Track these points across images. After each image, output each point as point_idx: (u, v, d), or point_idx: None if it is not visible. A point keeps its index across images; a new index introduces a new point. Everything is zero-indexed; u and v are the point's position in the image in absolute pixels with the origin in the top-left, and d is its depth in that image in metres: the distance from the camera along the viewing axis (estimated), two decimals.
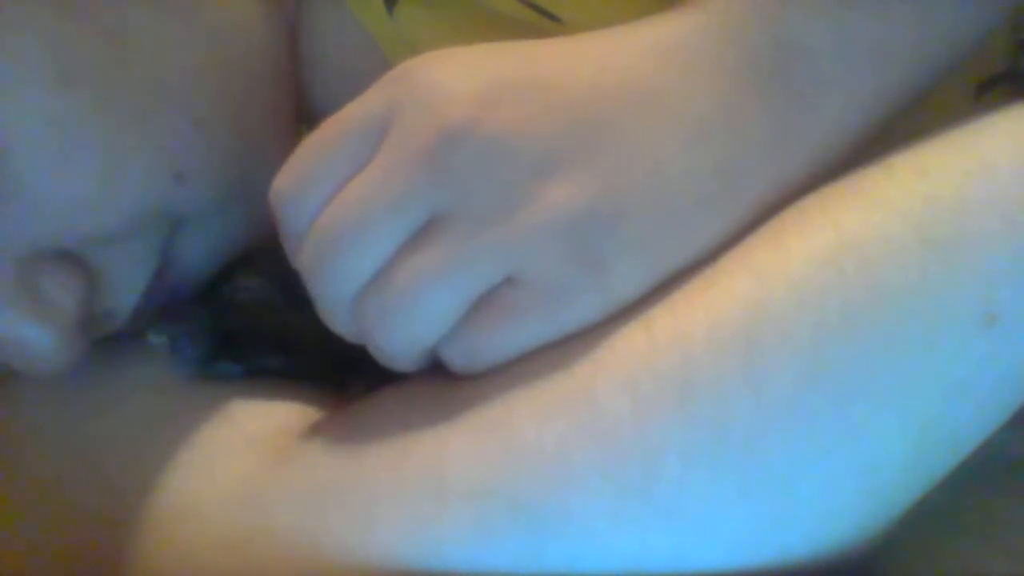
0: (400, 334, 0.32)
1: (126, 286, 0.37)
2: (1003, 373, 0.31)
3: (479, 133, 0.30)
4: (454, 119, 0.30)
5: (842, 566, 0.31)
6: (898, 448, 0.30)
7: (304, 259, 0.32)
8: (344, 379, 0.36)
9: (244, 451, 0.35)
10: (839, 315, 0.30)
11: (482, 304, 0.31)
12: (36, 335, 0.35)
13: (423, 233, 0.31)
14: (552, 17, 0.39)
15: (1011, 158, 0.31)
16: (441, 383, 0.33)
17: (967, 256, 0.30)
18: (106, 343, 0.39)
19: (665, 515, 0.30)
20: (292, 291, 0.37)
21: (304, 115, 0.45)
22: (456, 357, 0.32)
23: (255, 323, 0.37)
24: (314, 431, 0.35)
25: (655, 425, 0.30)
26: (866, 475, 0.30)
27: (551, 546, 0.30)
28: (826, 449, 0.30)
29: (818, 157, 0.33)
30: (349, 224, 0.31)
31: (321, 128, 0.33)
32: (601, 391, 0.31)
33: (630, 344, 0.31)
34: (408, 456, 0.32)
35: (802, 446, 0.30)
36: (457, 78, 0.31)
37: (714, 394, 0.30)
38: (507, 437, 0.31)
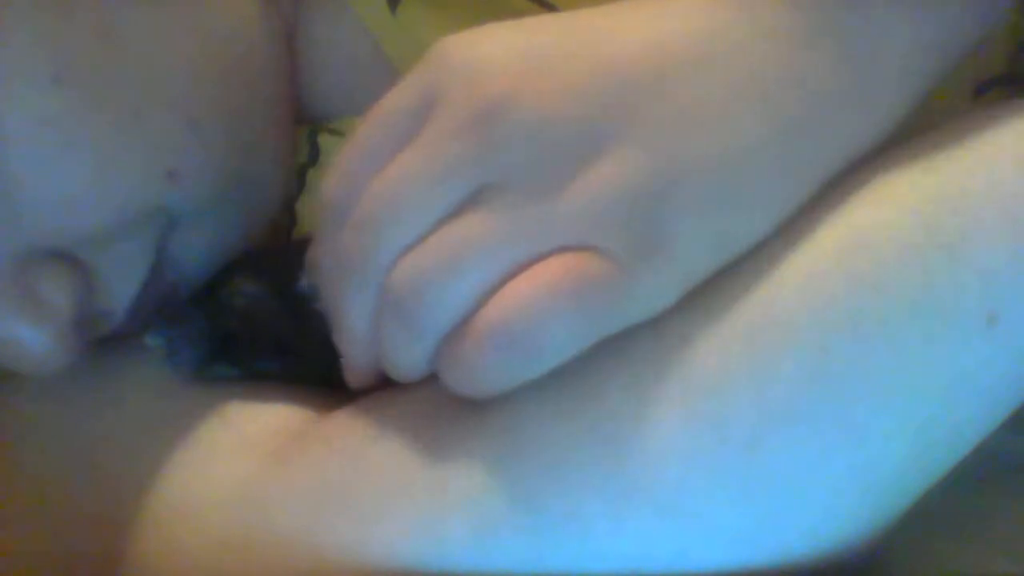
0: (430, 310, 0.30)
1: (121, 285, 0.37)
2: (1004, 372, 0.31)
3: (522, 104, 0.29)
4: (495, 91, 0.29)
5: (842, 566, 0.31)
6: (898, 447, 0.30)
7: (342, 238, 0.31)
8: (343, 383, 0.36)
9: (242, 453, 0.35)
10: (841, 314, 0.30)
11: (538, 272, 0.29)
12: (32, 335, 0.34)
13: (466, 207, 0.30)
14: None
15: (1014, 156, 0.31)
16: (440, 384, 0.33)
17: (969, 255, 0.31)
18: (105, 345, 0.39)
19: (666, 515, 0.30)
20: (290, 296, 0.37)
21: (303, 116, 0.45)
22: (502, 338, 0.29)
23: (252, 327, 0.37)
24: (314, 432, 0.35)
25: (656, 425, 0.30)
26: (867, 474, 0.30)
27: (552, 546, 0.30)
28: (827, 449, 0.30)
29: (876, 120, 0.32)
30: (387, 198, 0.30)
31: (363, 120, 0.32)
32: (603, 389, 0.31)
33: (634, 343, 0.31)
34: (409, 456, 0.32)
35: (803, 445, 0.30)
36: (495, 51, 0.30)
37: (715, 393, 0.30)
38: (508, 436, 0.31)
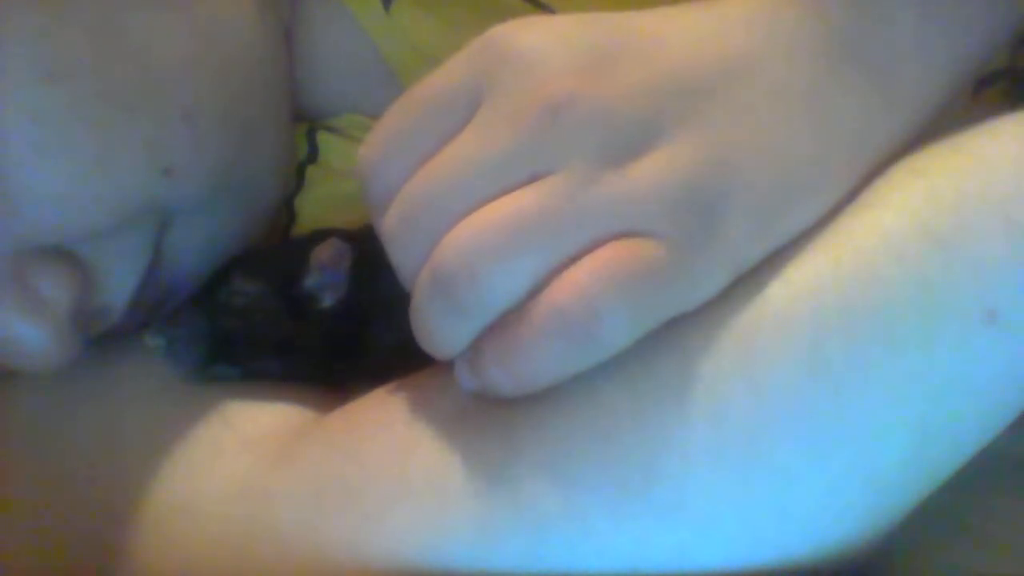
0: (482, 289, 0.29)
1: (119, 282, 0.37)
2: (1003, 370, 0.31)
3: (582, 102, 0.29)
4: (556, 88, 0.29)
5: (842, 566, 0.31)
6: (898, 446, 0.30)
7: (388, 222, 0.31)
8: (342, 383, 0.36)
9: (242, 452, 0.35)
10: (838, 313, 0.30)
11: (597, 258, 0.29)
12: (30, 332, 0.34)
13: (522, 191, 0.29)
14: (551, 12, 0.39)
15: (1011, 157, 0.31)
16: (441, 382, 0.33)
17: (967, 253, 0.30)
18: (104, 343, 0.39)
19: (665, 514, 0.30)
20: (290, 295, 0.37)
21: (302, 113, 0.45)
22: (560, 325, 0.29)
23: (251, 327, 0.37)
24: (314, 430, 0.35)
25: (655, 424, 0.30)
26: (866, 474, 0.30)
27: (552, 544, 0.30)
28: (826, 448, 0.30)
29: (914, 115, 0.32)
30: (442, 184, 0.30)
31: (405, 96, 0.32)
32: (601, 390, 0.31)
33: None
34: (409, 455, 0.32)
35: (802, 445, 0.30)
36: (553, 46, 0.30)
37: (714, 392, 0.30)
38: (508, 436, 0.31)
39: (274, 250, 0.41)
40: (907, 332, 0.30)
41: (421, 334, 0.31)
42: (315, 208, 0.45)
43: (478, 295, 0.29)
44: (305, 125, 0.45)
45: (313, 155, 0.45)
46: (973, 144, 0.32)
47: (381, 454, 0.32)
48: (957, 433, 0.31)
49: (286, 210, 0.45)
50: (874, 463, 0.30)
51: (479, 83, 0.30)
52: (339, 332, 0.37)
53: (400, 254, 0.31)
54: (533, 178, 0.29)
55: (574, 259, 0.29)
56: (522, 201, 0.29)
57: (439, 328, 0.30)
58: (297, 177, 0.45)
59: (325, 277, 0.37)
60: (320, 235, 0.38)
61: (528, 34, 0.30)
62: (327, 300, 0.36)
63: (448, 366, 0.33)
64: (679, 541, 0.30)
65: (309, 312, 0.37)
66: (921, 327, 0.30)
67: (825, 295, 0.30)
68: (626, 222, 0.29)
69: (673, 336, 0.31)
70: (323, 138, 0.45)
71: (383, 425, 0.33)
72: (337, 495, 0.32)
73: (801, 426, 0.30)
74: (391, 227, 0.31)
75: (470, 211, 0.29)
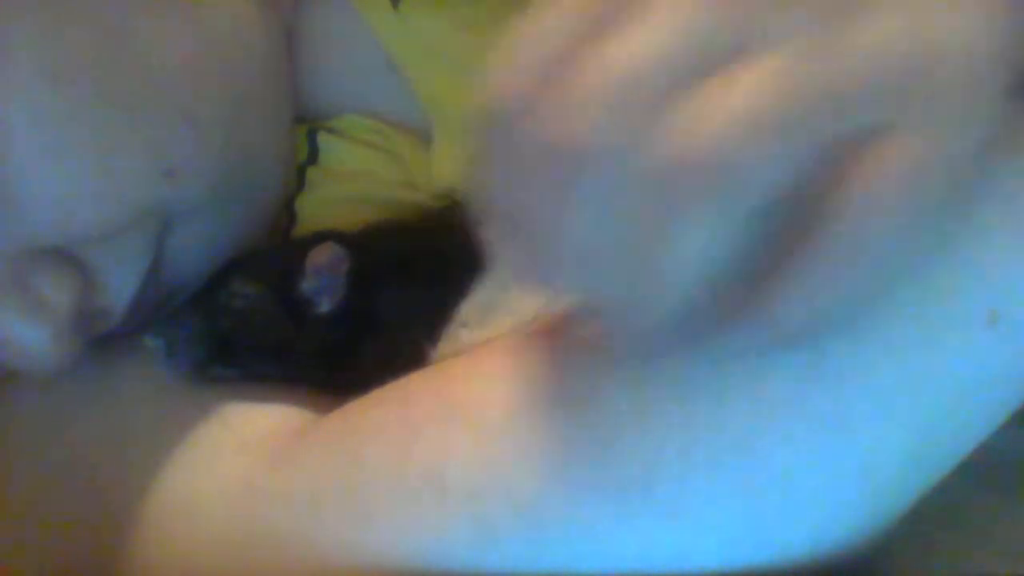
0: (746, 173, 0.24)
1: (120, 284, 0.37)
2: (1004, 372, 0.31)
3: None
4: None
5: (842, 566, 0.31)
6: (898, 447, 0.30)
7: (550, 128, 0.25)
8: (341, 384, 0.36)
9: (241, 453, 0.35)
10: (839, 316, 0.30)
11: (867, 162, 0.24)
12: (31, 333, 0.35)
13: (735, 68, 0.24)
14: None
15: (1011, 155, 0.31)
16: (440, 382, 0.33)
17: (968, 255, 0.30)
18: (105, 344, 0.39)
19: (665, 515, 0.30)
20: (289, 297, 0.37)
21: (302, 114, 0.45)
22: (863, 244, 0.25)
23: (250, 329, 0.37)
24: (313, 431, 0.35)
25: (655, 424, 0.30)
26: (866, 474, 0.30)
27: (551, 546, 0.30)
28: (826, 449, 0.30)
29: None
30: (611, 73, 0.24)
31: (533, 17, 0.25)
32: (601, 390, 0.31)
33: None
34: (408, 455, 0.32)
35: (802, 445, 0.30)
36: None
37: (713, 393, 0.30)
38: (508, 436, 0.31)
39: (274, 252, 0.41)
40: (907, 333, 0.30)
41: (651, 253, 0.25)
42: (316, 209, 0.45)
43: (734, 188, 0.24)
44: (306, 126, 0.45)
45: (314, 156, 0.45)
46: None
47: (380, 455, 0.32)
48: (957, 434, 0.31)
49: (286, 211, 0.45)
50: (874, 464, 0.30)
51: None
52: (335, 339, 0.37)
53: (577, 168, 0.25)
54: (730, 65, 0.24)
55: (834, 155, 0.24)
56: (744, 91, 0.24)
57: (682, 236, 0.24)
58: (298, 178, 0.45)
59: (322, 282, 0.37)
60: (320, 237, 0.38)
61: None
62: (324, 305, 0.36)
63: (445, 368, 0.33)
64: (679, 541, 0.30)
65: (307, 316, 0.37)
66: (921, 328, 0.30)
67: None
68: (867, 105, 0.24)
69: None
70: (324, 139, 0.45)
71: (382, 425, 0.33)
72: (336, 496, 0.32)
73: (801, 426, 0.30)
74: (559, 134, 0.24)
75: (658, 109, 0.24)
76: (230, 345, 0.38)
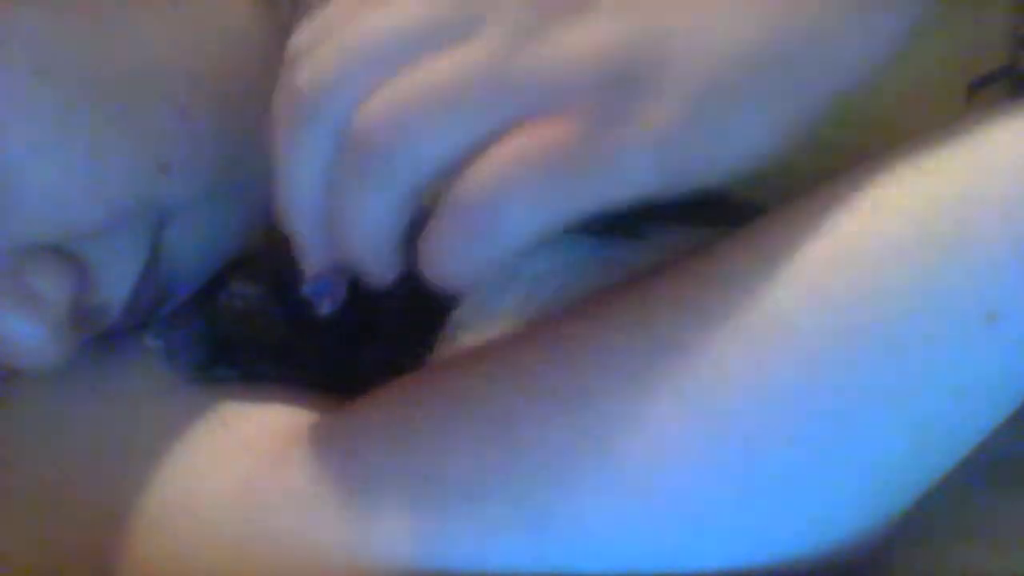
0: (406, 152, 0.28)
1: (116, 281, 0.37)
2: (1004, 372, 0.31)
3: None
4: None
5: (842, 566, 0.31)
6: (898, 447, 0.30)
7: (298, 79, 0.29)
8: (342, 384, 0.36)
9: (241, 453, 0.35)
10: (839, 314, 0.30)
11: (504, 143, 0.27)
12: (27, 329, 0.34)
13: (444, 52, 0.28)
14: None
15: (1011, 155, 0.31)
16: (440, 381, 0.33)
17: (968, 255, 0.30)
18: (103, 344, 0.39)
19: (665, 514, 0.30)
20: (289, 298, 0.37)
21: None
22: (461, 213, 0.28)
23: (250, 330, 0.37)
24: (313, 432, 0.35)
25: (655, 424, 0.30)
26: (866, 474, 0.30)
27: (551, 546, 0.30)
28: (826, 448, 0.30)
29: (882, 38, 0.30)
30: (355, 38, 0.29)
31: None
32: (601, 390, 0.31)
33: (630, 343, 0.31)
34: (408, 455, 0.32)
35: (802, 445, 0.30)
36: None
37: (713, 393, 0.30)
38: (507, 436, 0.31)
39: (273, 252, 0.41)
40: (907, 333, 0.30)
41: (344, 210, 0.29)
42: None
43: (391, 165, 0.28)
44: None
45: None
46: (974, 141, 0.32)
47: (378, 456, 0.32)
48: (957, 433, 0.31)
49: None
50: (875, 464, 0.30)
51: None
52: (335, 340, 0.37)
53: (307, 117, 0.29)
54: (458, 39, 0.28)
55: (497, 135, 0.27)
56: (440, 67, 0.28)
57: (357, 202, 0.29)
58: None
59: (323, 284, 0.37)
60: None
61: None
62: (325, 307, 0.36)
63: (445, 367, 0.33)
64: (679, 541, 0.30)
65: (307, 318, 0.37)
66: (921, 328, 0.30)
67: (825, 296, 0.30)
68: (547, 95, 0.27)
69: (673, 335, 0.31)
70: None
71: (381, 426, 0.33)
72: (336, 496, 0.32)
73: (801, 427, 0.30)
74: (300, 85, 0.29)
75: (385, 76, 0.28)
76: (230, 346, 0.38)
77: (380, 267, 0.31)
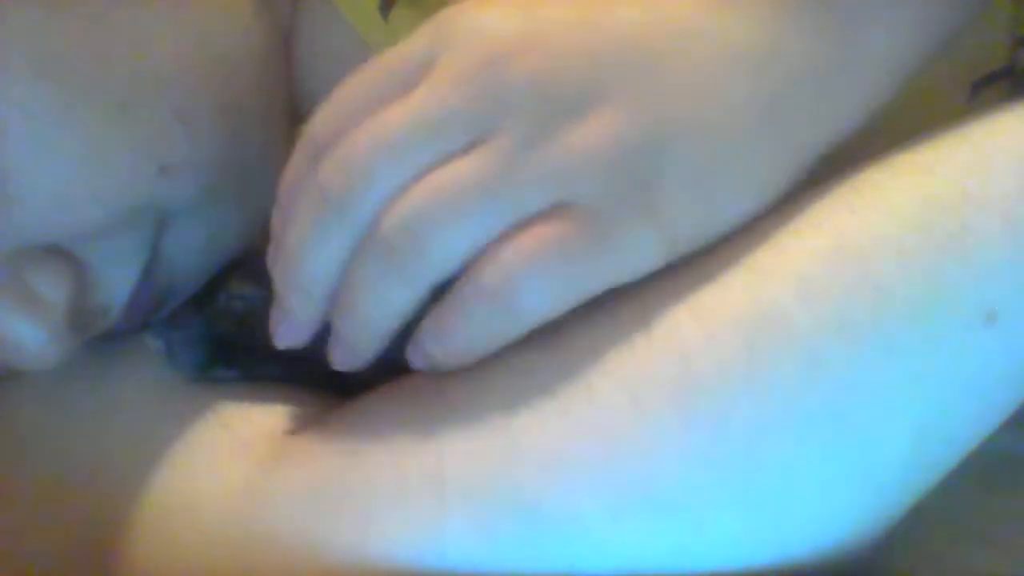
0: (425, 254, 0.30)
1: (116, 282, 0.37)
2: (1003, 371, 0.31)
3: (522, 62, 0.30)
4: (497, 49, 0.30)
5: (842, 566, 0.31)
6: (898, 447, 0.30)
7: (324, 175, 0.31)
8: (341, 384, 0.36)
9: (241, 453, 0.35)
10: (839, 314, 0.30)
11: (521, 236, 0.30)
12: (26, 330, 0.34)
13: (459, 157, 0.30)
14: None
15: (1010, 155, 0.31)
16: (441, 381, 0.33)
17: (967, 254, 0.30)
18: (104, 344, 0.39)
19: (665, 515, 0.30)
20: None
21: (303, 115, 0.45)
22: (480, 300, 0.30)
23: (251, 331, 0.37)
24: (313, 430, 0.35)
25: (654, 424, 0.30)
26: (866, 474, 0.30)
27: (551, 546, 0.30)
28: (826, 449, 0.30)
29: (863, 96, 0.32)
30: (381, 140, 0.30)
31: (360, 69, 0.32)
32: (600, 390, 0.31)
33: (629, 343, 0.31)
34: (408, 455, 0.32)
35: (802, 446, 0.30)
36: (501, 17, 0.30)
37: (713, 393, 0.30)
38: (507, 436, 0.31)
39: None
40: (907, 333, 0.30)
41: (359, 298, 0.31)
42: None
43: (417, 263, 0.30)
44: (305, 127, 0.45)
45: None
46: (974, 141, 0.32)
47: (378, 455, 0.32)
48: (956, 433, 0.31)
49: None
50: (874, 464, 0.30)
51: (431, 54, 0.31)
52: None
53: (329, 214, 0.31)
54: (473, 142, 0.30)
55: (514, 227, 0.30)
56: (460, 171, 0.30)
57: (378, 293, 0.31)
58: None
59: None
60: None
61: (477, 10, 0.31)
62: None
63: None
64: (679, 541, 0.30)
65: None
66: (921, 328, 0.30)
67: (825, 295, 0.30)
68: (558, 191, 0.30)
69: (673, 336, 0.31)
70: None
71: (381, 425, 0.33)
72: (335, 496, 0.32)
73: (801, 427, 0.30)
74: (328, 180, 0.31)
75: (410, 175, 0.30)
76: (230, 346, 0.38)
77: (368, 348, 0.33)
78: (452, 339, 0.31)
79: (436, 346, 0.32)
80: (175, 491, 0.35)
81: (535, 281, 0.30)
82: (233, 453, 0.35)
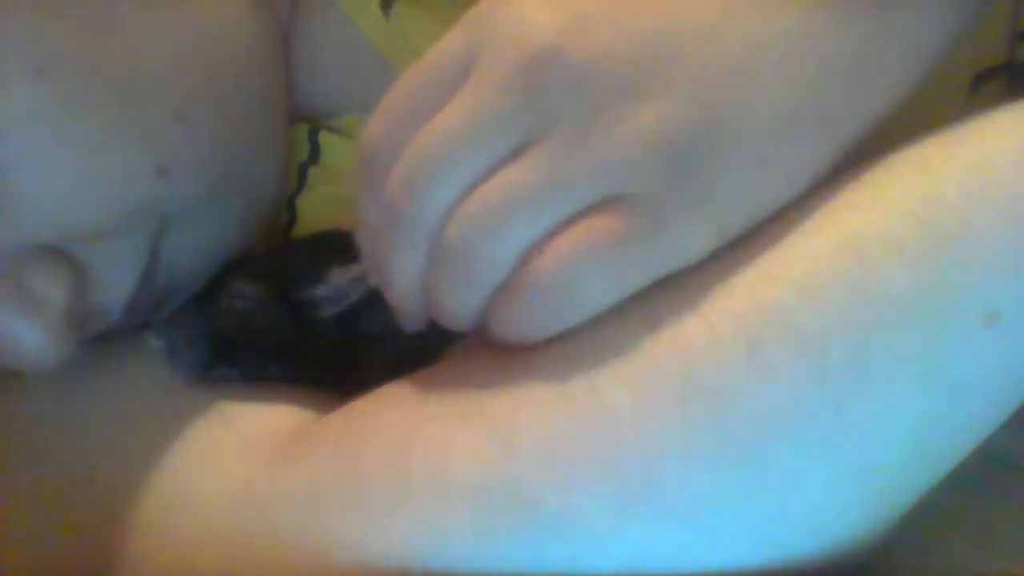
0: (484, 262, 0.31)
1: (115, 283, 0.37)
2: (1003, 371, 0.31)
3: (565, 57, 0.30)
4: (538, 45, 0.30)
5: (842, 566, 0.31)
6: (898, 447, 0.30)
7: (389, 190, 0.32)
8: (342, 384, 0.36)
9: (242, 453, 0.35)
10: (840, 314, 0.30)
11: (576, 230, 0.30)
12: (25, 331, 0.35)
13: (513, 158, 0.31)
14: None
15: (1012, 155, 0.31)
16: (441, 381, 0.33)
17: (968, 254, 0.30)
18: (105, 344, 0.39)
19: (665, 514, 0.30)
20: (291, 297, 0.37)
21: (303, 114, 0.45)
22: (542, 294, 0.31)
23: (252, 330, 0.37)
24: (313, 431, 0.35)
25: (656, 424, 0.30)
26: (866, 475, 0.30)
27: (552, 545, 0.30)
28: (826, 449, 0.30)
29: (897, 80, 0.32)
30: (435, 152, 0.31)
31: (403, 76, 0.33)
32: (602, 389, 0.31)
33: (633, 342, 0.31)
34: (410, 454, 0.32)
35: (802, 446, 0.30)
36: (537, 12, 0.30)
37: (715, 393, 0.30)
38: (509, 436, 0.31)
39: (275, 252, 0.41)
40: (907, 333, 0.30)
41: (443, 301, 0.33)
42: (316, 209, 0.45)
43: (479, 270, 0.31)
44: (307, 126, 0.45)
45: (315, 156, 0.45)
46: (974, 140, 0.32)
47: (381, 454, 0.32)
48: (956, 433, 0.31)
49: (287, 210, 0.45)
50: (875, 465, 0.30)
51: (471, 52, 0.31)
52: (337, 340, 0.37)
53: (401, 222, 0.32)
54: (524, 142, 0.30)
55: (569, 221, 0.30)
56: (513, 177, 0.30)
57: (451, 299, 0.32)
58: (299, 178, 0.45)
59: (331, 292, 0.37)
60: (321, 238, 0.38)
61: (513, 4, 0.31)
62: (327, 311, 0.36)
63: (446, 368, 0.33)
64: (679, 541, 0.30)
65: (308, 319, 0.37)
66: (922, 328, 0.30)
67: (828, 298, 0.30)
68: (610, 185, 0.30)
69: (675, 335, 0.31)
70: (325, 139, 0.45)
71: (382, 425, 0.33)
72: (337, 495, 0.32)
73: (801, 426, 0.30)
74: (393, 194, 0.32)
75: (467, 184, 0.31)
76: (231, 346, 0.38)
77: (468, 323, 0.33)
78: (517, 325, 0.32)
79: (503, 329, 0.32)
80: (176, 490, 0.35)
81: (592, 273, 0.30)
82: (234, 452, 0.35)
